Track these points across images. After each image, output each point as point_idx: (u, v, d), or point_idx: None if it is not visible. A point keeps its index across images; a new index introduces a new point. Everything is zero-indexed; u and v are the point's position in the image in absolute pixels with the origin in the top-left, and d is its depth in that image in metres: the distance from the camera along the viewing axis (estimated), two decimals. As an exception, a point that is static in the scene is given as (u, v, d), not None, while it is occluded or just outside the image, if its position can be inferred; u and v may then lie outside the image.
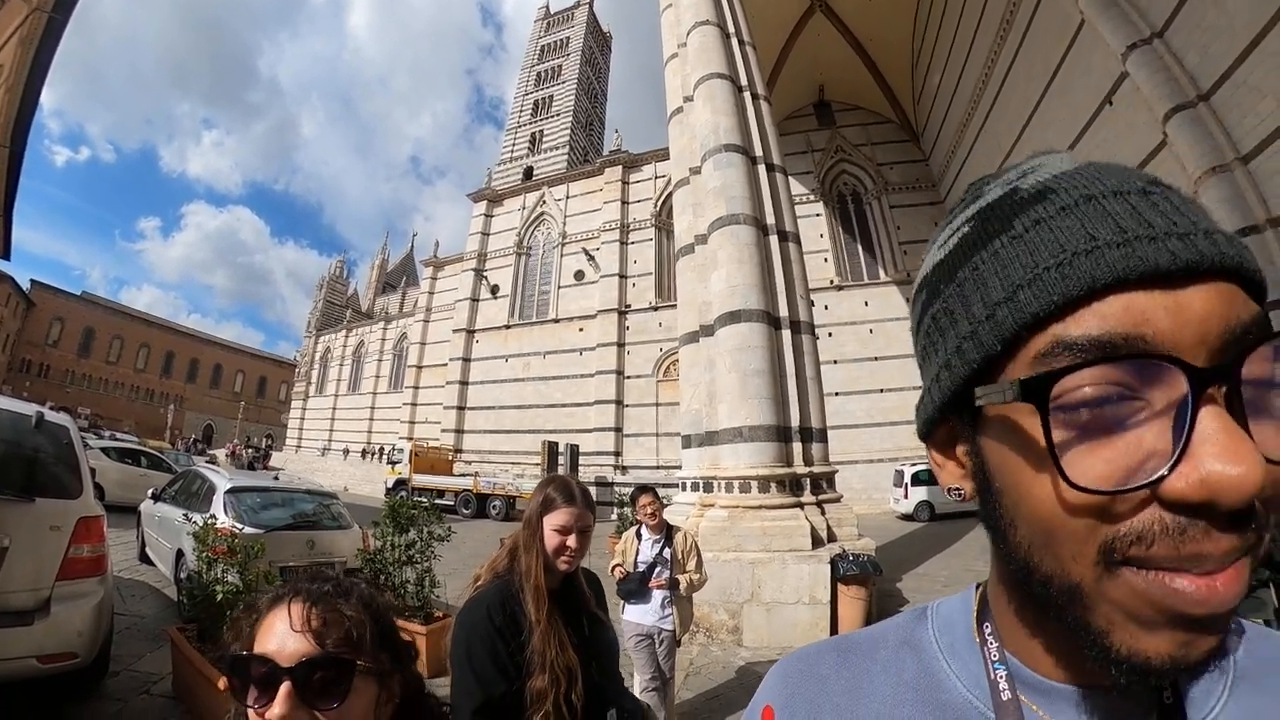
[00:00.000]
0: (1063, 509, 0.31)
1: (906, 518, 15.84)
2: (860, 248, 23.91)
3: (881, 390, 20.95)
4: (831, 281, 22.74)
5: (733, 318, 7.24)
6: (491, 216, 32.59)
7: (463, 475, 20.57)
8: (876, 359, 21.48)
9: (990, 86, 17.05)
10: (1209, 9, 8.13)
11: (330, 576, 0.80)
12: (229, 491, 6.10)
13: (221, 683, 1.90)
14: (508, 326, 29.41)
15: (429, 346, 35.30)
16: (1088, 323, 0.31)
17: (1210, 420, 0.29)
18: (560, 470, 18.42)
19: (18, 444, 3.72)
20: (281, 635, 0.71)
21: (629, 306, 26.19)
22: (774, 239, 7.99)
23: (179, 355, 65.14)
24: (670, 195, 11.65)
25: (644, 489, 3.55)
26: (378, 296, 52.79)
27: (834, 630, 5.42)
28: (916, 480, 15.97)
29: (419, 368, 35.32)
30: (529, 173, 35.42)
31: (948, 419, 0.40)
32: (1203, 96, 8.36)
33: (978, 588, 0.48)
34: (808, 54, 22.81)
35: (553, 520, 1.47)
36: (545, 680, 1.33)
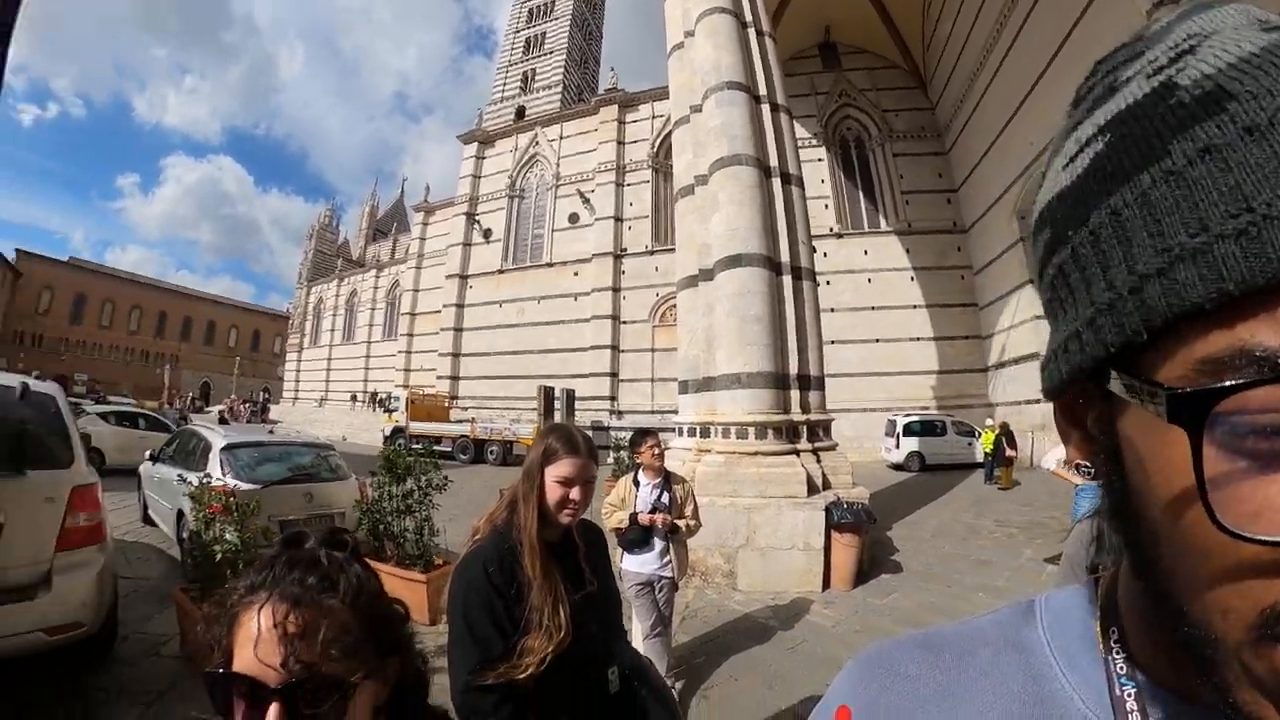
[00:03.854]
0: (1219, 553, 0.23)
1: (897, 467, 16.08)
2: (862, 195, 23.41)
3: (877, 340, 20.99)
4: (831, 229, 22.35)
5: (733, 262, 7.05)
6: (483, 159, 31.69)
7: (459, 421, 20.73)
8: (873, 309, 21.44)
9: (1004, 37, 16.36)
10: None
11: (313, 560, 0.69)
12: (224, 449, 6.07)
13: None
14: (501, 271, 29.03)
15: (422, 293, 34.97)
16: None
17: None
18: (556, 416, 18.51)
19: (4, 417, 3.66)
20: (265, 648, 0.62)
21: (625, 250, 25.77)
22: (776, 182, 7.72)
23: (171, 314, 64.42)
24: (669, 135, 11.24)
25: (646, 432, 3.47)
26: (369, 244, 51.67)
27: (827, 577, 5.53)
28: (908, 431, 16.22)
29: (413, 315, 35.05)
30: (521, 112, 34.12)
31: (1079, 383, 0.30)
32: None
33: (1097, 580, 0.39)
34: (815, -10, 21.75)
35: (555, 471, 1.40)
36: (540, 639, 1.29)
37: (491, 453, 17.84)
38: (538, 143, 30.15)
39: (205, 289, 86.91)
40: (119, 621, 4.33)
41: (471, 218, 30.54)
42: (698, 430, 7.05)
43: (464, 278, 30.00)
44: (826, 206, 22.64)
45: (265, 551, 0.71)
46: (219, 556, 3.88)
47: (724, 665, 3.84)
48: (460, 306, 29.65)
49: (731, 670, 3.78)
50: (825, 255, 21.04)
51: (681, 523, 3.33)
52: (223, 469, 5.72)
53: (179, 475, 5.65)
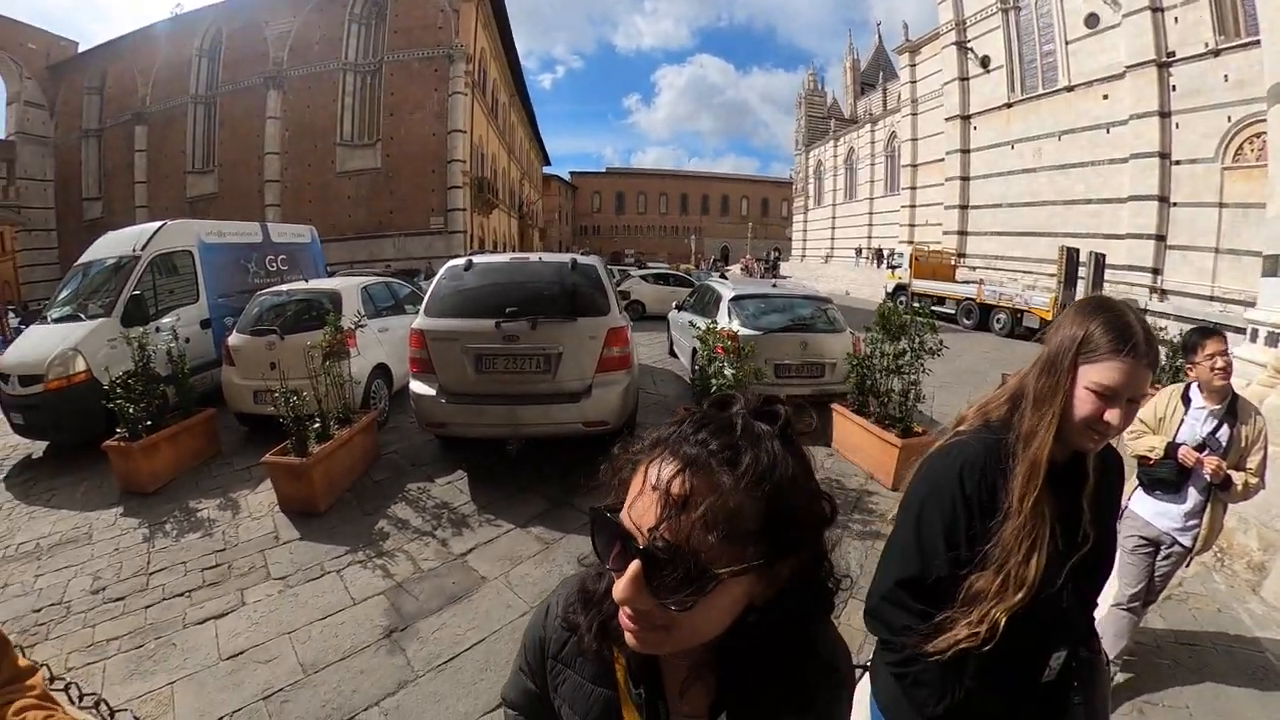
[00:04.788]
0: None
1: None
2: None
3: None
4: None
5: None
6: None
7: (965, 282, 19.35)
8: None
9: None
10: None
11: (725, 426, 0.60)
12: (733, 300, 6.97)
13: None
14: (1008, 105, 24.08)
15: (921, 142, 32.62)
16: None
17: None
18: (1080, 286, 15.28)
19: (561, 283, 5.06)
20: (642, 506, 0.57)
21: (1172, 55, 17.33)
22: None
23: (691, 195, 79.10)
24: None
25: (1209, 332, 2.50)
26: (857, 100, 50.05)
27: None
28: None
29: (914, 166, 33.33)
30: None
31: None
32: None
33: None
34: None
35: (1094, 374, 1.01)
36: (989, 582, 1.01)
37: (998, 321, 16.19)
38: (1028, -72, 22.43)
39: (715, 170, 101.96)
40: (636, 423, 5.42)
41: (962, 46, 26.04)
42: (1282, 338, 4.87)
43: (965, 118, 26.30)
44: None
45: (714, 408, 0.65)
46: (715, 389, 4.50)
47: (1186, 689, 2.75)
48: (965, 152, 26.33)
49: (1193, 700, 2.68)
50: None
51: (1239, 477, 2.30)
52: (729, 316, 6.66)
53: (696, 319, 6.97)
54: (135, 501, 4.97)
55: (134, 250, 7.01)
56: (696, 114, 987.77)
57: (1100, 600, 1.22)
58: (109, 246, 7.43)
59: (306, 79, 28.61)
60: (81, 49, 34.05)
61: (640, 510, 0.57)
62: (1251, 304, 5.72)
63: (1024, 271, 22.13)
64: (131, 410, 4.99)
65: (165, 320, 6.64)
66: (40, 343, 6.20)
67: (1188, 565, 2.65)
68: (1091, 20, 20.30)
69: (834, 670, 0.75)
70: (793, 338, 6.32)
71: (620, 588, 0.57)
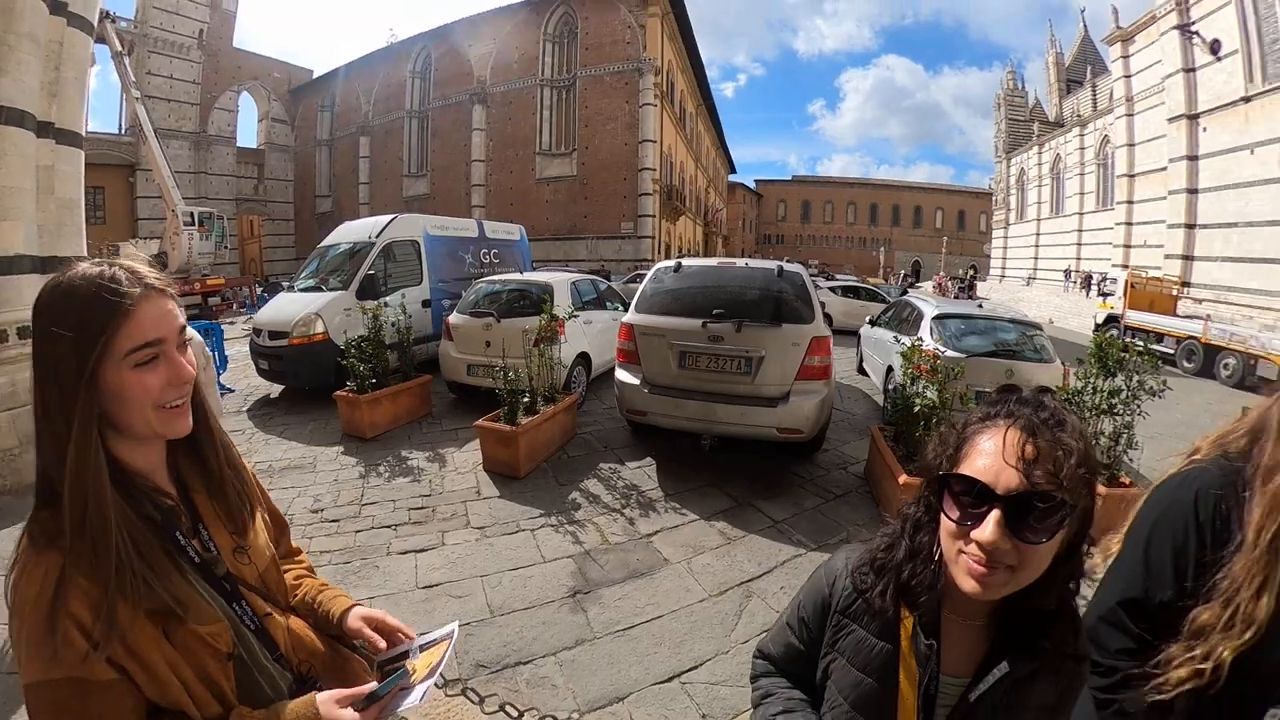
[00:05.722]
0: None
1: None
2: None
3: None
4: None
5: None
6: None
7: (1189, 317, 16.65)
8: None
9: None
10: None
11: (1047, 404, 0.76)
12: (935, 318, 6.81)
13: (901, 478, 3.66)
14: (1247, 99, 19.16)
15: (1138, 148, 28.41)
16: None
17: None
18: None
19: (767, 288, 5.16)
20: (997, 461, 0.71)
21: None
22: None
23: (881, 205, 75.83)
24: None
25: None
26: (1062, 99, 44.17)
27: None
28: None
29: (1130, 177, 29.03)
30: None
31: None
32: None
33: None
34: None
35: None
36: (1217, 616, 0.96)
37: (1225, 366, 13.79)
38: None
39: (907, 178, 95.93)
40: (825, 437, 5.53)
41: (1186, 30, 21.32)
42: None
43: (1192, 118, 21.76)
44: None
45: (992, 394, 0.82)
46: (916, 408, 4.40)
47: None
48: (1192, 159, 21.85)
49: None
50: None
51: None
52: (932, 335, 6.51)
53: (894, 336, 6.77)
54: (354, 444, 5.64)
55: (370, 237, 8.33)
56: (884, 119, 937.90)
57: None
58: (348, 233, 8.82)
59: (507, 94, 32.21)
60: (316, 75, 41.80)
61: (996, 466, 0.72)
62: None
63: (1263, 308, 18.35)
64: (361, 368, 5.79)
65: (393, 297, 7.52)
66: (288, 306, 7.56)
67: None
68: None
69: (1085, 659, 0.87)
70: (997, 364, 6.04)
71: (988, 532, 0.70)
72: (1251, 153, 19.25)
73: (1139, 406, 4.28)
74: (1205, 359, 14.54)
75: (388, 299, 7.48)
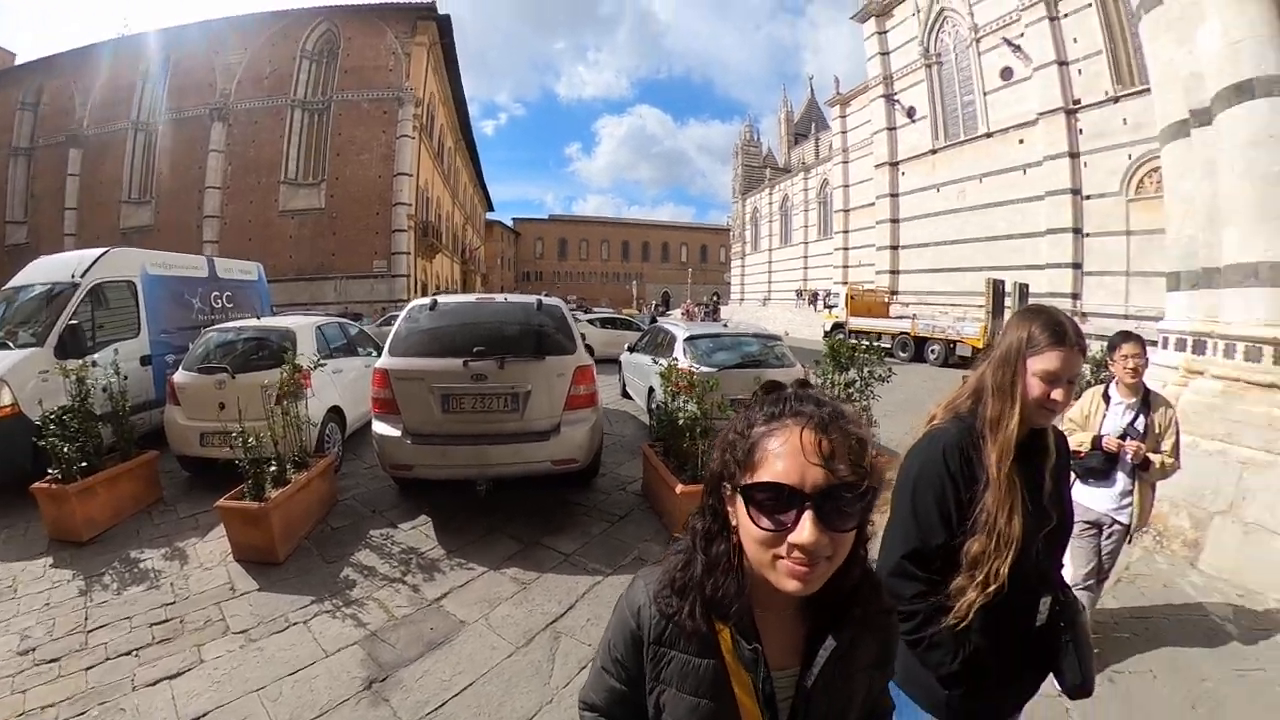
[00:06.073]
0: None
1: None
2: None
3: None
4: None
5: (1239, 93, 4.81)
6: (884, 33, 28.46)
7: (899, 318, 20.80)
8: None
9: None
10: None
11: (823, 399, 0.77)
12: (687, 339, 7.23)
13: (679, 488, 3.73)
14: (933, 151, 26.18)
15: (853, 188, 34.71)
16: None
17: None
18: (1007, 314, 16.81)
19: (527, 322, 5.10)
20: (798, 461, 0.71)
21: (1078, 102, 19.68)
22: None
23: (632, 242, 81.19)
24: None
25: (1128, 336, 2.87)
26: (791, 149, 53.18)
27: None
28: None
29: (846, 211, 35.25)
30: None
31: None
32: None
33: None
34: None
35: (1038, 364, 1.25)
36: (985, 544, 1.19)
37: (932, 352, 17.51)
38: (940, -4, 25.19)
39: (654, 217, 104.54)
40: (601, 462, 5.62)
41: (890, 99, 28.32)
42: (1189, 343, 5.43)
43: (894, 165, 28.38)
44: None
45: (770, 394, 0.81)
46: (681, 421, 4.74)
47: (1146, 655, 3.06)
48: (894, 196, 28.33)
49: (1152, 665, 2.99)
50: None
51: (1156, 458, 2.71)
52: (685, 355, 6.87)
53: (652, 360, 7.06)
54: (67, 551, 4.46)
55: (72, 277, 6.51)
56: (636, 163, 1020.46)
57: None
58: (43, 271, 6.93)
59: (253, 112, 28.06)
60: (17, 61, 32.19)
61: (799, 468, 0.70)
62: (1161, 318, 6.37)
63: (954, 305, 23.65)
64: (66, 449, 4.53)
65: (103, 354, 6.19)
66: None
67: (1130, 542, 3.02)
68: (1006, 73, 22.73)
69: (891, 612, 0.94)
70: (746, 374, 6.42)
71: (806, 533, 0.69)
72: (938, 190, 26.02)
73: (872, 392, 5.13)
74: (916, 348, 18.30)
75: (96, 356, 6.07)
